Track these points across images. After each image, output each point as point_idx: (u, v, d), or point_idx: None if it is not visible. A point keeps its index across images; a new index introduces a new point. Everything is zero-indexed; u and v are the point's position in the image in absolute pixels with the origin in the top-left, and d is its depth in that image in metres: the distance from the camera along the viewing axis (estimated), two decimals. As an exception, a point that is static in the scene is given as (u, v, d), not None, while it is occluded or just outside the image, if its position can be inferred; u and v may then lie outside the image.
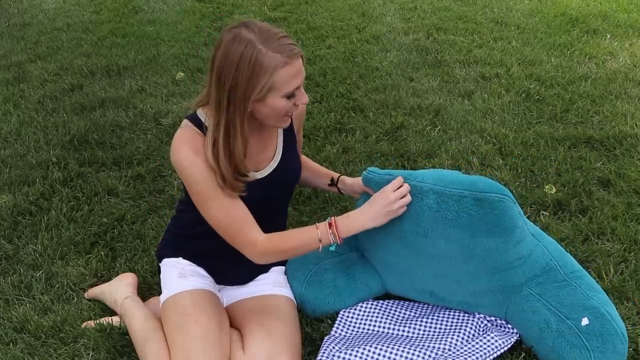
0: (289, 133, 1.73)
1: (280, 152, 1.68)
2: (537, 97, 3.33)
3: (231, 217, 1.54)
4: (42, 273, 2.13)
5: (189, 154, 1.49)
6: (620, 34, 4.25)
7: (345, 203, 2.44)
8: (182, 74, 3.85)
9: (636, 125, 2.97)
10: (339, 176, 1.91)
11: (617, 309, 1.86)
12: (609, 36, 4.22)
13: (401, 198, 1.60)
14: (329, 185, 1.92)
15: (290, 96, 1.46)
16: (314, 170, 1.96)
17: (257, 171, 1.63)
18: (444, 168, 2.67)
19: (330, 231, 1.55)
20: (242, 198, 1.59)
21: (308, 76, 3.72)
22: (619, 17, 4.60)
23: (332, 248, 1.60)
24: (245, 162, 1.57)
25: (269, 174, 1.65)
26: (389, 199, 1.59)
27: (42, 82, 3.87)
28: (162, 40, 4.53)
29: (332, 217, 1.59)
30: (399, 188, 1.61)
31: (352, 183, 1.85)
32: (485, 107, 3.24)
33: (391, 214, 1.60)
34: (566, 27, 4.44)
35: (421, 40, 4.29)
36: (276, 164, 1.67)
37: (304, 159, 1.95)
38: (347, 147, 2.89)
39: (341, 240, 1.57)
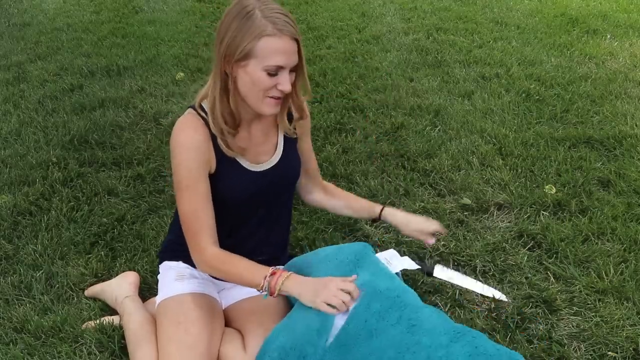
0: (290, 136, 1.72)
1: (282, 149, 1.68)
2: (537, 97, 3.33)
3: (195, 216, 1.54)
4: (42, 273, 2.12)
5: (185, 140, 1.50)
6: (620, 34, 4.25)
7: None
8: (182, 74, 3.85)
9: (636, 125, 2.97)
10: (382, 208, 1.74)
11: (617, 309, 1.87)
12: (609, 36, 4.22)
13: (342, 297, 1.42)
14: (373, 221, 1.81)
15: (272, 74, 1.45)
16: (352, 205, 1.84)
17: (257, 164, 1.63)
18: (443, 168, 2.67)
19: (268, 280, 1.48)
20: (240, 192, 1.59)
21: (308, 76, 3.70)
22: (619, 17, 4.61)
23: (264, 297, 1.52)
24: (247, 155, 1.58)
25: (268, 169, 1.65)
26: (325, 288, 1.43)
27: (42, 82, 3.87)
28: (162, 40, 4.53)
29: (279, 270, 1.50)
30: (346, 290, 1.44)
31: (404, 220, 1.71)
32: (485, 107, 3.24)
33: (316, 305, 1.43)
34: (566, 27, 4.44)
35: (421, 40, 4.29)
36: (277, 159, 1.66)
37: (339, 191, 1.88)
38: (347, 147, 2.89)
39: (274, 295, 1.49)
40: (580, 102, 3.24)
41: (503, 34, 4.36)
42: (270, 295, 1.49)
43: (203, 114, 1.53)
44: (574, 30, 4.37)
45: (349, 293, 1.43)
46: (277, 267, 1.53)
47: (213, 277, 1.77)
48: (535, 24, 4.55)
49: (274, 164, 1.65)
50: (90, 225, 2.38)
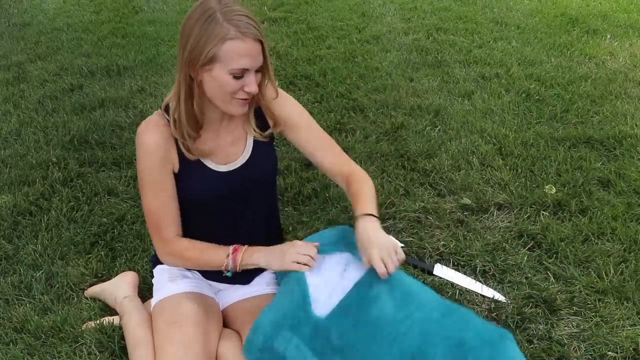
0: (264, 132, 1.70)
1: (250, 149, 1.67)
2: (537, 97, 3.33)
3: (160, 210, 1.60)
4: (42, 273, 2.13)
5: (146, 139, 1.53)
6: (620, 34, 4.25)
7: (346, 203, 2.44)
8: (182, 74, 3.85)
9: (636, 125, 2.97)
10: (357, 216, 1.55)
11: (617, 309, 1.87)
12: (609, 36, 4.22)
13: (304, 257, 1.51)
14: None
15: (237, 76, 1.44)
16: (351, 196, 1.64)
17: (225, 164, 1.63)
18: (443, 168, 2.67)
19: (232, 257, 1.58)
20: (207, 192, 1.60)
21: (308, 76, 3.72)
22: (619, 17, 4.60)
23: (228, 274, 1.60)
24: (213, 155, 1.59)
25: (236, 169, 1.64)
26: (289, 250, 1.54)
27: (42, 82, 3.87)
28: (162, 40, 4.53)
29: (239, 246, 1.60)
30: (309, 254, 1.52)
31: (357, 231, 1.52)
32: (485, 107, 3.24)
33: (286, 266, 1.53)
34: (566, 27, 4.44)
35: (421, 40, 4.29)
36: (244, 160, 1.66)
37: (352, 186, 1.64)
38: (347, 147, 2.89)
39: (237, 269, 1.58)
40: (580, 102, 3.24)
41: (503, 34, 4.36)
42: (235, 270, 1.58)
43: (167, 116, 1.55)
44: (574, 30, 4.36)
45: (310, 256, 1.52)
46: (238, 245, 1.61)
47: (204, 276, 1.77)
48: (535, 24, 4.55)
49: (241, 163, 1.65)
50: (90, 225, 2.39)
